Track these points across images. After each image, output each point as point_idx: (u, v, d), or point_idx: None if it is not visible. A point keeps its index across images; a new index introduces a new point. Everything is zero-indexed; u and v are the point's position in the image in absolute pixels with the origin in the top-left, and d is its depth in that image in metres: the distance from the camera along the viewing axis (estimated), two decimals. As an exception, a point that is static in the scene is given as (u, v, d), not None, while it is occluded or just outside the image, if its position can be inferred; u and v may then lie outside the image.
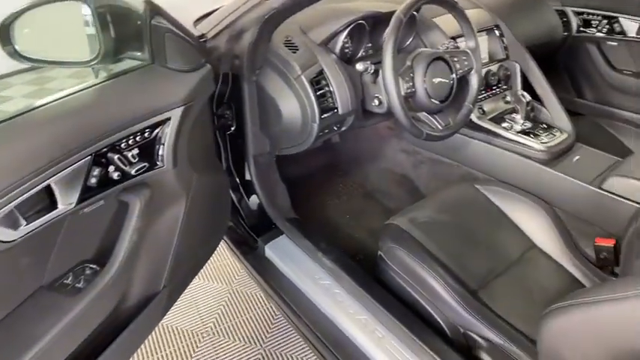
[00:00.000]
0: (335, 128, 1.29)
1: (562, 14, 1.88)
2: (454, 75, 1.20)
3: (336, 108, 1.20)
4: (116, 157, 0.82)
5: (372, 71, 1.17)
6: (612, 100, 1.93)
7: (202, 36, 1.17)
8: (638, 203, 1.15)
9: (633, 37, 1.78)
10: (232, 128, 1.27)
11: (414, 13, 1.35)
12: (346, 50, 1.29)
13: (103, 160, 0.80)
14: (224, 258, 1.88)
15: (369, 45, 1.37)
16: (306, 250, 1.29)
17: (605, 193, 1.20)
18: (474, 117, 1.44)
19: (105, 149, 0.80)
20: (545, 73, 1.71)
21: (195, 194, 1.02)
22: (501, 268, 1.16)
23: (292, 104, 1.20)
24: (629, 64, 1.85)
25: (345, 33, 1.23)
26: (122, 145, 0.83)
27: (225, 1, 1.21)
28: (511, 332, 0.99)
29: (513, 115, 1.47)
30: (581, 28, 1.90)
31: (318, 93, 1.17)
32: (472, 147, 1.47)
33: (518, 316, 1.04)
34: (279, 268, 1.30)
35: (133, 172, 0.85)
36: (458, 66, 1.23)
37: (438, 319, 1.07)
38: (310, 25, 1.26)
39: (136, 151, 0.85)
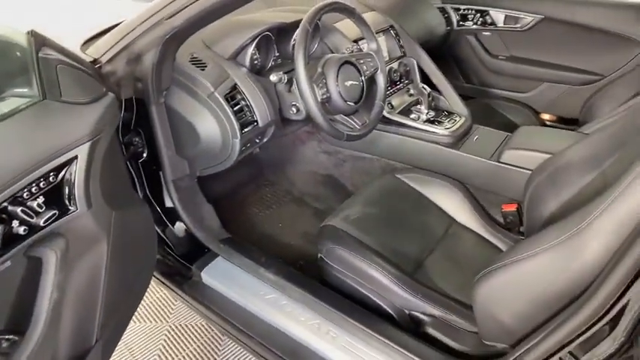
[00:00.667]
0: (257, 140, 1.30)
1: (443, 11, 2.10)
2: (363, 76, 1.29)
3: (256, 121, 1.22)
4: (19, 209, 0.73)
5: (286, 81, 1.21)
6: (493, 83, 2.20)
7: (95, 61, 1.09)
8: (528, 169, 1.33)
9: (501, 26, 2.05)
10: (144, 155, 1.22)
11: (317, 20, 1.41)
12: (256, 62, 1.31)
13: (4, 215, 0.72)
14: (155, 293, 1.78)
15: (277, 55, 1.40)
16: (245, 268, 1.28)
17: (504, 165, 1.38)
18: (384, 112, 1.55)
19: (4, 203, 0.71)
20: (437, 64, 1.89)
21: (116, 233, 0.95)
22: (431, 246, 1.27)
23: (209, 123, 1.19)
24: (502, 50, 2.12)
25: (253, 45, 1.25)
26: (24, 195, 0.74)
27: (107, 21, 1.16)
28: (450, 303, 1.10)
29: (418, 106, 1.60)
30: (461, 22, 2.13)
31: (235, 108, 1.18)
32: (387, 140, 1.59)
33: (453, 288, 1.16)
34: (221, 292, 1.27)
35: (41, 222, 0.77)
36: (365, 68, 1.32)
37: (385, 307, 1.14)
38: (215, 39, 1.25)
39: (41, 199, 0.77)
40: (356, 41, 1.52)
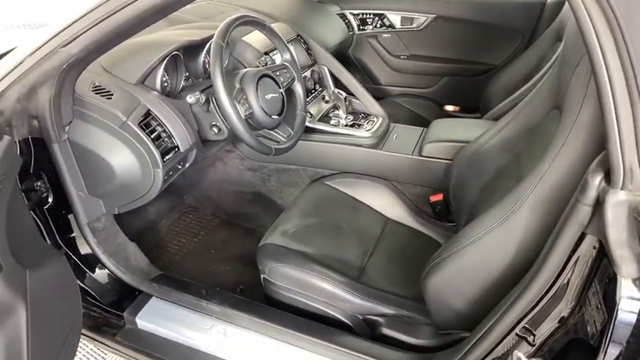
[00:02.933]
0: (179, 167, 1.21)
1: (343, 17, 2.15)
2: (281, 88, 1.26)
3: (176, 146, 1.13)
4: None
5: (203, 101, 1.14)
6: (398, 81, 2.31)
7: None
8: (448, 160, 1.40)
9: (399, 28, 2.16)
10: (50, 200, 1.07)
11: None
12: (166, 85, 1.22)
13: None
14: (82, 349, 1.58)
15: (187, 75, 1.32)
16: (183, 304, 1.19)
17: (425, 158, 1.44)
18: (305, 122, 1.54)
19: None
20: (345, 67, 1.93)
21: (34, 296, 0.83)
22: (370, 248, 1.28)
23: (124, 155, 1.08)
24: (403, 50, 2.24)
25: (162, 67, 1.16)
26: None
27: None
28: (400, 301, 1.11)
29: (336, 111, 1.62)
30: (361, 27, 2.20)
31: (152, 136, 1.08)
32: (311, 148, 1.57)
33: (400, 285, 1.17)
34: (161, 335, 1.17)
35: None
36: (282, 79, 1.30)
37: (338, 316, 1.12)
38: (116, 64, 1.14)
39: None
40: (267, 53, 1.49)
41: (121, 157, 1.07)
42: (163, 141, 1.11)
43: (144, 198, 1.15)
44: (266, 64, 1.34)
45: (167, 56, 1.16)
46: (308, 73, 1.66)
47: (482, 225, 0.84)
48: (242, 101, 1.13)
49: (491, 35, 2.03)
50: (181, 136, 1.14)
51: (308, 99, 1.62)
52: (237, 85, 1.16)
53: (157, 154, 1.06)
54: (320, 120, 1.59)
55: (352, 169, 1.56)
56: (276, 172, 1.68)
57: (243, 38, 1.47)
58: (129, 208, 1.20)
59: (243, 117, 1.11)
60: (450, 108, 2.24)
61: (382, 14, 2.14)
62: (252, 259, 1.26)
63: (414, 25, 2.12)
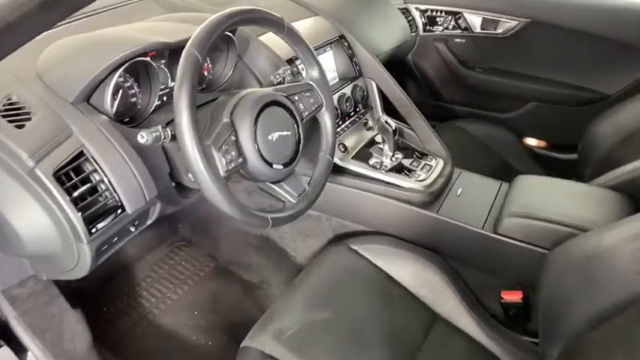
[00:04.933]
0: (132, 229, 0.83)
1: (406, 13, 1.68)
2: (298, 120, 0.84)
3: (120, 206, 0.74)
4: None
5: (169, 137, 0.73)
6: (468, 100, 1.81)
7: None
8: (540, 247, 0.93)
9: (478, 32, 1.65)
10: None
11: (230, 34, 0.95)
12: (121, 107, 0.82)
13: None
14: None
15: (163, 90, 0.91)
16: None
17: (503, 238, 0.98)
18: (335, 158, 1.11)
19: None
20: (400, 77, 1.47)
21: None
22: None
23: (34, 216, 0.69)
24: (479, 61, 1.74)
25: (114, 79, 0.76)
26: None
27: None
28: None
29: (380, 146, 1.18)
30: (428, 27, 1.72)
31: (80, 190, 0.69)
32: (339, 195, 1.15)
33: None
34: None
35: None
36: (302, 106, 0.88)
37: None
38: (53, 68, 0.76)
39: None
40: (292, 61, 1.07)
41: (29, 219, 0.69)
42: (101, 196, 0.73)
43: (73, 273, 0.78)
44: (283, 80, 0.92)
45: (127, 62, 0.76)
46: (348, 90, 1.23)
47: None
48: (227, 145, 0.72)
49: (606, 53, 1.48)
50: (131, 190, 0.74)
51: (344, 126, 1.19)
52: (226, 120, 0.75)
53: (78, 223, 0.68)
54: (356, 157, 1.15)
55: (392, 230, 1.13)
56: (292, 214, 1.27)
57: (260, 37, 1.05)
58: (62, 277, 0.84)
59: (223, 174, 0.70)
60: (532, 142, 1.72)
61: (458, 13, 1.65)
62: (243, 334, 0.88)
63: (499, 31, 1.61)
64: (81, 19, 1.03)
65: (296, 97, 0.87)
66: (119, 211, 0.74)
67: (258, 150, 0.76)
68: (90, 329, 0.96)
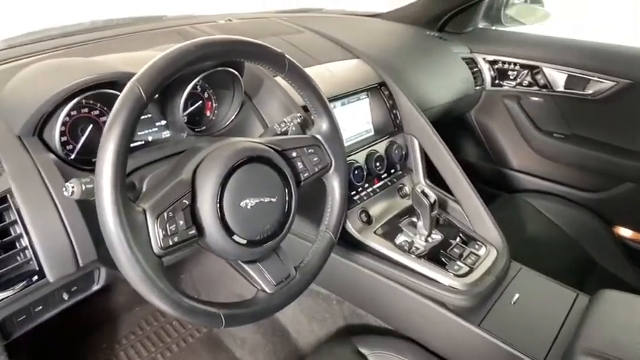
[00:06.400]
0: (65, 297, 0.65)
1: (472, 63, 1.44)
2: (292, 184, 0.64)
3: (36, 271, 0.57)
4: None
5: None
6: (542, 171, 1.50)
7: None
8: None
9: (561, 90, 1.37)
10: None
11: (235, 72, 0.78)
12: (70, 146, 0.67)
13: None
14: None
15: (162, 122, 0.77)
16: None
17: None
18: (351, 228, 0.88)
19: None
20: (457, 136, 1.21)
21: None
22: None
23: None
24: (560, 125, 1.43)
25: (64, 114, 0.61)
26: None
27: None
28: None
29: (414, 219, 0.92)
30: (497, 81, 1.46)
31: None
32: (355, 275, 0.91)
33: None
34: None
35: None
36: (300, 166, 0.67)
37: None
38: (8, 96, 0.64)
39: None
40: (308, 109, 0.88)
41: None
42: (19, 256, 0.56)
43: None
44: (287, 130, 0.73)
45: (78, 93, 0.61)
46: (382, 146, 1.00)
47: None
48: (173, 212, 0.53)
49: None
50: (58, 252, 0.57)
51: (371, 188, 0.96)
52: (184, 176, 0.56)
53: None
54: (379, 232, 0.91)
55: (417, 335, 0.85)
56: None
57: (277, 78, 0.88)
58: None
59: (157, 250, 0.51)
60: (626, 233, 1.35)
61: (536, 67, 1.38)
62: None
63: (589, 92, 1.31)
64: (93, 43, 0.93)
65: (294, 154, 0.67)
66: (35, 277, 0.57)
67: (221, 219, 0.56)
68: None
